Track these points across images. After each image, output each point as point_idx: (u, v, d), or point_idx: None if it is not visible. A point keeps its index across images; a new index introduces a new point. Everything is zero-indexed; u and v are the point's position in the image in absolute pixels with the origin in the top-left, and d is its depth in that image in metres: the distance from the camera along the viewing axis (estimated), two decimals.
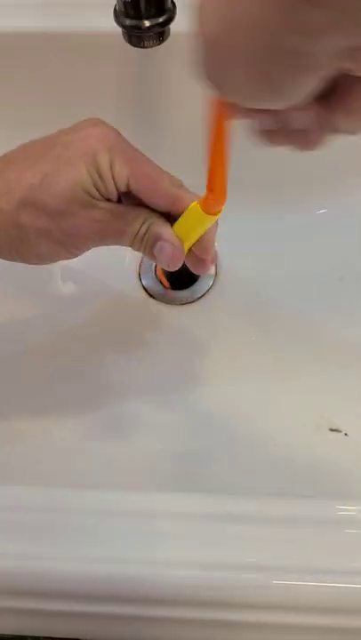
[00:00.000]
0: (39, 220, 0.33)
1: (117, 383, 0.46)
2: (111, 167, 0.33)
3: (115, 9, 0.39)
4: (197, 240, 0.36)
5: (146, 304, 0.50)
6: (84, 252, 0.36)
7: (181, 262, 0.36)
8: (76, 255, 0.36)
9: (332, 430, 0.43)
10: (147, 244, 0.35)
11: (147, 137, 0.46)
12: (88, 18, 0.45)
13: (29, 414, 0.45)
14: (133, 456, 0.43)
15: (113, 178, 0.33)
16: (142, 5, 0.38)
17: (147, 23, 0.38)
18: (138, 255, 0.51)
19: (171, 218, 0.35)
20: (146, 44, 0.39)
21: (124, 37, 0.40)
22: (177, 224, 0.35)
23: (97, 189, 0.33)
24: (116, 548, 0.30)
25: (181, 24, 0.39)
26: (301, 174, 0.51)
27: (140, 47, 0.40)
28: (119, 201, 0.35)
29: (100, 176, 0.33)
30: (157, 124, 0.50)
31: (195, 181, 0.50)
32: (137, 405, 0.45)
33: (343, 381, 0.45)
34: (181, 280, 0.51)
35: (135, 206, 0.35)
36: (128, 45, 0.40)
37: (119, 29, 0.39)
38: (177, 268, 0.36)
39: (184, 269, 0.54)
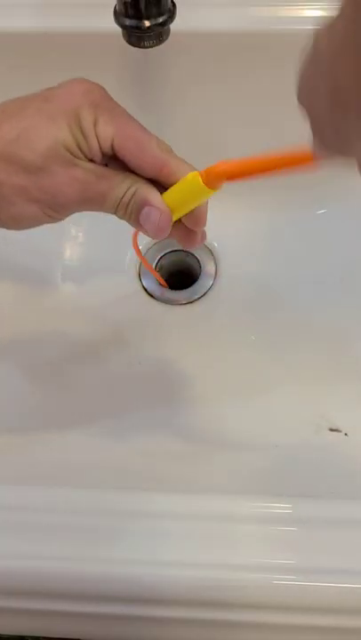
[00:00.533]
0: (15, 177, 0.31)
1: (117, 383, 0.46)
2: (95, 125, 0.31)
3: (115, 9, 0.39)
4: (190, 213, 0.33)
5: (146, 304, 0.50)
6: (64, 216, 0.33)
7: (168, 231, 0.33)
8: (55, 219, 0.33)
9: (332, 430, 0.43)
10: (132, 211, 0.33)
11: None
12: (88, 18, 0.45)
13: (28, 413, 0.45)
14: (133, 456, 0.43)
15: (97, 136, 0.31)
16: (142, 5, 0.38)
17: (147, 23, 0.38)
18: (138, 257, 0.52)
19: (158, 186, 0.33)
20: (146, 43, 0.39)
21: (123, 37, 0.40)
22: (168, 193, 0.32)
23: (79, 148, 0.31)
24: (115, 547, 0.30)
25: (181, 24, 0.39)
26: (301, 174, 0.51)
27: (140, 47, 0.40)
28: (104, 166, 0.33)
29: (83, 133, 0.31)
30: (157, 123, 0.50)
31: None
32: (137, 405, 0.45)
33: (343, 381, 0.45)
34: (181, 280, 0.51)
35: (122, 171, 0.32)
36: (128, 45, 0.40)
37: (119, 29, 0.39)
38: (163, 237, 0.34)
39: (184, 269, 0.54)
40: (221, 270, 0.51)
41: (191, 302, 0.50)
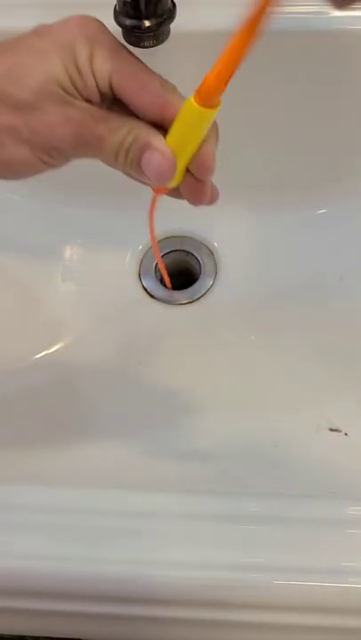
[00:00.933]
0: (4, 116, 0.28)
1: (116, 383, 0.46)
2: (91, 60, 0.29)
3: (115, 9, 0.39)
4: (195, 156, 0.30)
5: (146, 304, 0.50)
6: (59, 161, 0.31)
7: (173, 175, 0.30)
8: (50, 165, 0.30)
9: (332, 430, 0.43)
10: (133, 157, 0.30)
11: None
12: None
13: (26, 412, 0.45)
14: (133, 455, 0.43)
15: (93, 73, 0.29)
16: (142, 5, 0.38)
17: (147, 23, 0.38)
18: (138, 255, 0.52)
19: (163, 132, 0.30)
20: (146, 43, 0.39)
21: (123, 37, 0.40)
22: (169, 135, 0.30)
23: (74, 85, 0.29)
24: (116, 547, 0.30)
25: (181, 24, 0.39)
26: (301, 174, 0.51)
27: (140, 47, 0.40)
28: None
29: (78, 70, 0.28)
30: None
31: None
32: (137, 405, 0.45)
33: (343, 381, 0.45)
34: (181, 280, 0.51)
35: (121, 114, 0.30)
36: (128, 45, 0.40)
37: (119, 29, 0.39)
38: (168, 185, 0.31)
39: (184, 269, 0.54)
40: (221, 270, 0.51)
41: (191, 302, 0.50)
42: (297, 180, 0.51)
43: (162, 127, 0.30)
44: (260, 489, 0.34)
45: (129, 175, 0.32)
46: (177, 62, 0.46)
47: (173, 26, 0.39)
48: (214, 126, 0.31)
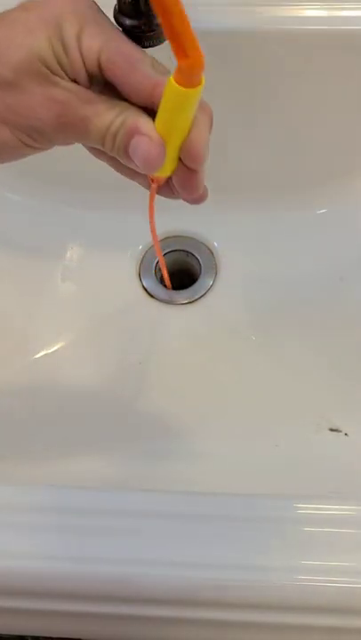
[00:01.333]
0: None
1: (116, 383, 0.46)
2: (79, 37, 0.27)
3: (115, 9, 0.39)
4: (184, 143, 0.29)
5: (146, 304, 0.50)
6: (43, 144, 0.29)
7: (162, 161, 0.28)
8: (34, 148, 0.29)
9: (332, 430, 0.43)
10: (120, 142, 0.28)
11: None
12: None
13: (27, 412, 0.45)
14: (133, 455, 0.43)
15: (80, 51, 0.27)
16: (142, 5, 0.37)
17: (147, 23, 0.38)
18: (138, 255, 0.52)
19: (153, 117, 0.28)
20: (146, 43, 0.39)
21: None
22: (156, 119, 0.28)
23: (59, 63, 0.27)
24: (116, 547, 0.30)
25: None
26: (301, 174, 0.51)
27: (140, 47, 0.40)
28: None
29: (65, 47, 0.27)
30: None
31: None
32: (137, 405, 0.45)
33: (343, 381, 0.45)
34: (181, 280, 0.51)
35: (110, 97, 0.28)
36: None
37: (119, 29, 0.39)
38: (155, 171, 0.29)
39: (184, 269, 0.54)
40: (221, 270, 0.51)
41: (191, 302, 0.50)
42: (297, 179, 0.51)
43: (152, 113, 0.28)
44: (260, 489, 0.34)
45: (118, 169, 0.31)
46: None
47: None
48: (206, 111, 0.29)
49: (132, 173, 0.32)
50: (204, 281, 0.51)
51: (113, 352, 0.48)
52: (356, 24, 0.44)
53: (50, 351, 0.48)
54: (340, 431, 0.43)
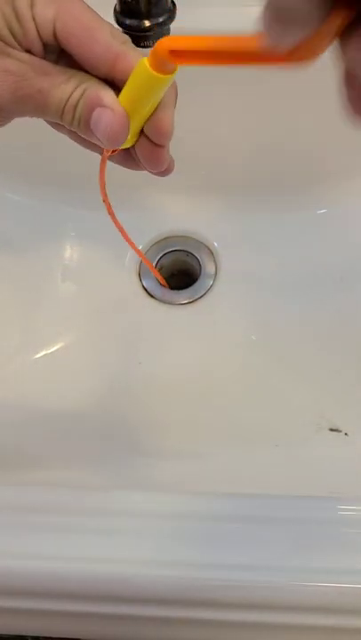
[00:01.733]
0: None
1: (117, 383, 0.46)
2: (32, 5, 0.25)
3: (115, 9, 0.39)
4: (152, 120, 0.28)
5: (146, 304, 0.50)
6: (1, 120, 0.28)
7: (125, 135, 0.27)
8: None
9: (332, 430, 0.43)
10: (81, 115, 0.26)
11: None
12: None
13: (27, 411, 0.45)
14: (133, 455, 0.43)
15: (34, 19, 0.25)
16: (142, 5, 0.38)
17: (147, 23, 0.38)
18: (138, 255, 0.52)
19: (113, 88, 0.27)
20: (146, 43, 0.39)
21: None
22: (122, 92, 0.27)
23: (11, 33, 0.25)
24: (116, 547, 0.30)
25: (181, 24, 0.39)
26: (301, 174, 0.51)
27: (140, 47, 0.40)
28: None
29: (17, 15, 0.25)
30: None
31: (199, 182, 0.50)
32: (136, 405, 0.45)
33: (343, 381, 0.45)
34: (181, 280, 0.51)
35: (68, 68, 0.27)
36: None
37: (119, 29, 0.39)
38: (119, 145, 0.27)
39: (184, 269, 0.54)
40: (221, 270, 0.51)
41: (191, 302, 0.50)
42: (297, 179, 0.51)
43: (112, 84, 0.27)
44: (259, 489, 0.34)
45: (77, 140, 0.29)
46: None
47: (173, 26, 0.39)
48: (173, 90, 0.28)
49: (91, 144, 0.30)
50: (204, 281, 0.51)
51: (113, 352, 0.48)
52: None
53: (50, 351, 0.48)
54: (340, 431, 0.43)
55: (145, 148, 0.29)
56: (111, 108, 0.26)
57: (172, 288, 0.50)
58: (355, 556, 0.29)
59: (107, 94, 0.26)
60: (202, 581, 0.29)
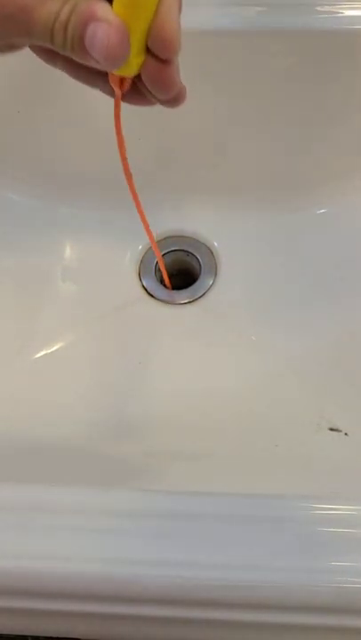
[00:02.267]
0: None
1: (117, 383, 0.46)
2: None
3: None
4: (152, 28, 0.24)
5: (146, 304, 0.50)
6: None
7: (125, 50, 0.24)
8: None
9: (332, 430, 0.43)
10: (74, 33, 0.23)
11: (147, 136, 0.46)
12: None
13: (27, 411, 0.45)
14: (134, 454, 0.43)
15: None
16: None
17: None
18: (138, 255, 0.52)
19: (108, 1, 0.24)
20: None
21: None
22: (114, 3, 0.24)
23: None
24: (116, 547, 0.30)
25: (181, 24, 0.39)
26: (301, 174, 0.51)
27: None
28: None
29: None
30: (158, 123, 0.50)
31: (198, 182, 0.50)
32: (136, 404, 0.45)
33: (344, 381, 0.45)
34: (181, 280, 0.51)
35: None
36: None
37: None
38: (120, 63, 0.24)
39: (184, 269, 0.54)
40: (221, 270, 0.51)
41: (191, 302, 0.50)
42: (297, 179, 0.51)
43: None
44: (259, 489, 0.34)
45: (76, 74, 0.27)
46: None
47: None
48: None
49: (91, 77, 0.28)
50: (204, 281, 0.51)
51: (113, 352, 0.48)
52: (359, 24, 0.44)
53: (50, 351, 0.48)
54: (341, 431, 0.43)
55: (151, 70, 0.26)
56: (107, 20, 0.23)
57: (172, 288, 0.50)
58: (355, 555, 0.29)
59: (100, 6, 0.23)
60: (202, 581, 0.29)
